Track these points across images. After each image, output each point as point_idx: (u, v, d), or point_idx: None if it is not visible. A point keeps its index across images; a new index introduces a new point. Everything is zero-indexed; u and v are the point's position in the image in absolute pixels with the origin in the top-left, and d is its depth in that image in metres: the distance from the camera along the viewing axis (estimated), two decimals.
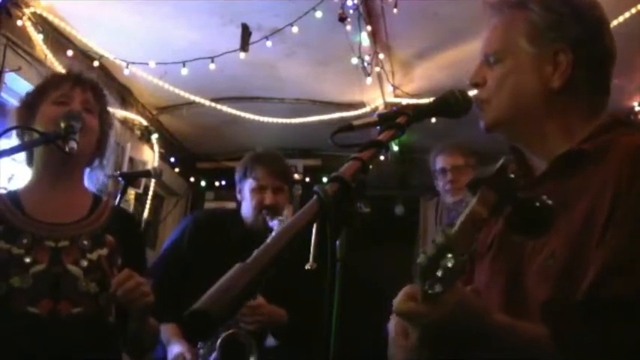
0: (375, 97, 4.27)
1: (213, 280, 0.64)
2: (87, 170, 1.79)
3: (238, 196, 2.60)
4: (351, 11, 3.22)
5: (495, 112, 1.16)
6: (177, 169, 5.29)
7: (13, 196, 1.68)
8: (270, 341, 2.48)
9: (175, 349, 2.33)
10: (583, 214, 1.00)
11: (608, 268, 0.93)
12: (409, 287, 0.92)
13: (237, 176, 2.60)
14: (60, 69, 3.52)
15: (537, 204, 0.83)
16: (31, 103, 1.73)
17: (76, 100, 1.69)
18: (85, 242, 1.63)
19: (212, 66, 3.56)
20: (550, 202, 0.83)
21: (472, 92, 1.20)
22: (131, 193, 4.45)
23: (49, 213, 1.65)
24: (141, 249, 1.90)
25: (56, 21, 3.44)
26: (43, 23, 3.40)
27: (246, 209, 2.53)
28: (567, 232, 1.00)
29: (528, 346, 0.93)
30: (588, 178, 1.03)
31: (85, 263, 1.60)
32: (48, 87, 1.74)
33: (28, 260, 1.54)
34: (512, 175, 0.87)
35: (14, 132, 1.75)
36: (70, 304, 1.55)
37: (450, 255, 0.79)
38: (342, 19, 3.19)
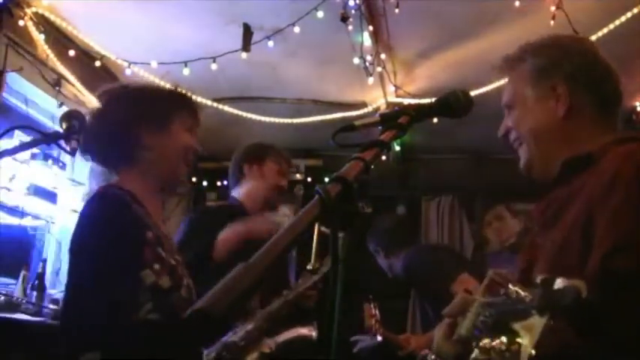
0: (376, 97, 4.27)
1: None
2: None
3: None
4: (352, 11, 3.21)
5: (527, 153, 1.35)
6: None
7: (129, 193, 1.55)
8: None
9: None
10: (579, 210, 1.13)
11: (612, 247, 1.02)
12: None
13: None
14: (62, 69, 3.53)
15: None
16: (163, 110, 1.65)
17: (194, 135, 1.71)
18: None
19: (214, 66, 3.56)
20: None
21: (474, 93, 1.22)
22: None
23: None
24: None
25: (58, 21, 3.45)
26: (44, 23, 3.40)
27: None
28: (567, 222, 1.15)
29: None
30: (586, 179, 1.18)
31: None
32: (183, 106, 1.70)
33: (180, 272, 1.53)
34: None
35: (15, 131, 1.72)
36: None
37: None
38: (344, 19, 3.19)
